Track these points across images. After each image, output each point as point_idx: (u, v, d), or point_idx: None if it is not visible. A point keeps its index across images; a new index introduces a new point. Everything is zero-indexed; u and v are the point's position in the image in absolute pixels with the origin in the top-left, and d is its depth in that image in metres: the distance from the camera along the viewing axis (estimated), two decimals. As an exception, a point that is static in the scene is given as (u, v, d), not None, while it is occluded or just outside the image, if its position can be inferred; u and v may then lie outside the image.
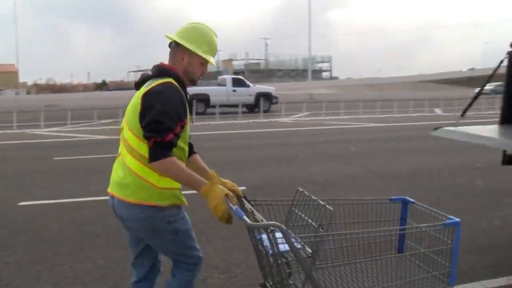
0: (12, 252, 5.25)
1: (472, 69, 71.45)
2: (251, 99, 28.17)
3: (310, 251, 2.45)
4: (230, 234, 5.76)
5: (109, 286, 4.38)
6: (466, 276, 4.28)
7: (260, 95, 28.21)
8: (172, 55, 2.76)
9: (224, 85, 28.21)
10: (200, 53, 2.70)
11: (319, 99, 32.34)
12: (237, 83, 28.79)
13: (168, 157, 2.48)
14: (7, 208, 7.04)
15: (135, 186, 2.65)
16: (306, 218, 2.71)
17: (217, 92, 27.46)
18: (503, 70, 5.38)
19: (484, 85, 5.39)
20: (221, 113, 24.39)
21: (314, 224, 2.64)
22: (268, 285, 2.73)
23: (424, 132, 8.23)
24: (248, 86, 28.95)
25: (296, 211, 2.83)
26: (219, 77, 31.48)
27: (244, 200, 2.88)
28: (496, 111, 23.03)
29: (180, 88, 2.66)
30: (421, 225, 2.72)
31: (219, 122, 21.45)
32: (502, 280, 4.50)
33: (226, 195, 2.49)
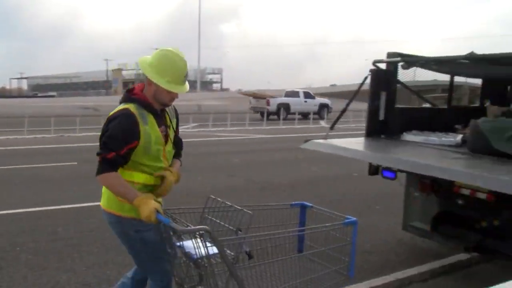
0: None
1: (334, 85, 76.43)
2: (316, 108, 34.73)
3: (232, 254, 2.63)
4: (104, 250, 5.61)
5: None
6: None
7: (322, 105, 35.54)
8: (146, 79, 3.01)
9: (298, 97, 34.70)
10: (162, 84, 2.91)
11: (207, 111, 32.42)
12: (307, 95, 35.45)
13: (107, 172, 2.86)
14: None
15: (108, 196, 3.10)
16: (222, 223, 2.92)
17: (294, 102, 34.09)
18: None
19: (351, 101, 5.70)
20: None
21: (231, 228, 2.87)
22: None
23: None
24: (314, 98, 35.97)
25: (209, 217, 3.03)
26: (289, 90, 36.29)
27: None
28: (363, 124, 24.42)
29: (136, 114, 2.91)
30: (326, 224, 2.99)
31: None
32: (366, 284, 4.79)
33: (156, 208, 2.78)
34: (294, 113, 32.39)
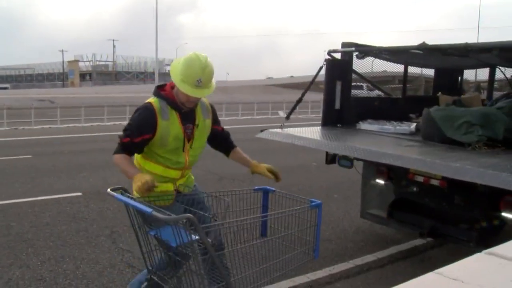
0: None
1: (293, 76, 77.17)
2: None
3: (210, 240, 2.69)
4: (59, 244, 5.51)
5: None
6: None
7: None
8: None
9: None
10: (176, 81, 3.09)
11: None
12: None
13: (118, 153, 3.15)
14: None
15: None
16: (197, 211, 3.02)
17: None
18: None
19: (306, 90, 5.74)
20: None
21: (206, 214, 3.02)
22: (154, 278, 3.04)
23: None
24: None
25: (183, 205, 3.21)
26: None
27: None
28: (308, 115, 24.84)
29: (156, 108, 3.14)
30: (296, 208, 3.07)
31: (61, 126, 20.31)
32: (326, 271, 4.86)
33: (146, 182, 2.88)
34: None
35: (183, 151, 3.30)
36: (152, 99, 3.23)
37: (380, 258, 5.28)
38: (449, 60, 6.06)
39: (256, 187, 3.46)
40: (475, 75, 8.38)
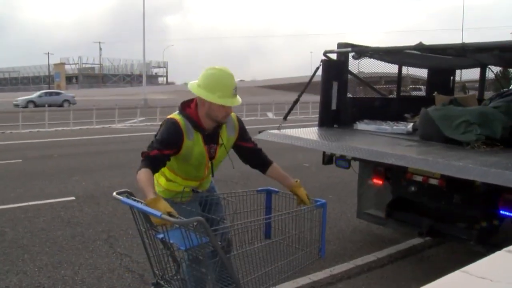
0: None
1: (279, 78, 78.03)
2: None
3: (220, 243, 2.66)
4: (56, 249, 5.45)
5: None
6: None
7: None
8: (198, 101, 3.14)
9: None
10: (214, 99, 3.00)
11: (153, 105, 32.04)
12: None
13: (141, 168, 2.94)
14: None
15: None
16: (207, 214, 3.01)
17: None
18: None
19: (303, 92, 5.73)
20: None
21: (214, 217, 2.99)
22: (161, 282, 2.98)
23: (253, 135, 8.50)
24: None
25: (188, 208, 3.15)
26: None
27: None
28: (309, 115, 24.87)
29: (181, 124, 3.08)
30: (301, 208, 3.13)
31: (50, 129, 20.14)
32: (326, 272, 4.86)
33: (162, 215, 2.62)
34: None
35: (206, 167, 3.29)
36: (177, 116, 3.15)
37: (379, 258, 5.28)
38: (443, 60, 6.09)
39: (259, 188, 3.45)
40: (459, 75, 8.38)
